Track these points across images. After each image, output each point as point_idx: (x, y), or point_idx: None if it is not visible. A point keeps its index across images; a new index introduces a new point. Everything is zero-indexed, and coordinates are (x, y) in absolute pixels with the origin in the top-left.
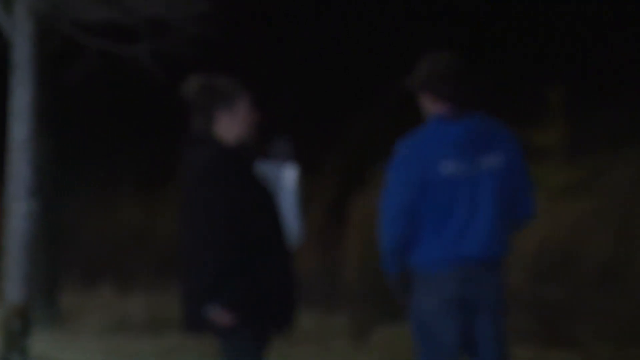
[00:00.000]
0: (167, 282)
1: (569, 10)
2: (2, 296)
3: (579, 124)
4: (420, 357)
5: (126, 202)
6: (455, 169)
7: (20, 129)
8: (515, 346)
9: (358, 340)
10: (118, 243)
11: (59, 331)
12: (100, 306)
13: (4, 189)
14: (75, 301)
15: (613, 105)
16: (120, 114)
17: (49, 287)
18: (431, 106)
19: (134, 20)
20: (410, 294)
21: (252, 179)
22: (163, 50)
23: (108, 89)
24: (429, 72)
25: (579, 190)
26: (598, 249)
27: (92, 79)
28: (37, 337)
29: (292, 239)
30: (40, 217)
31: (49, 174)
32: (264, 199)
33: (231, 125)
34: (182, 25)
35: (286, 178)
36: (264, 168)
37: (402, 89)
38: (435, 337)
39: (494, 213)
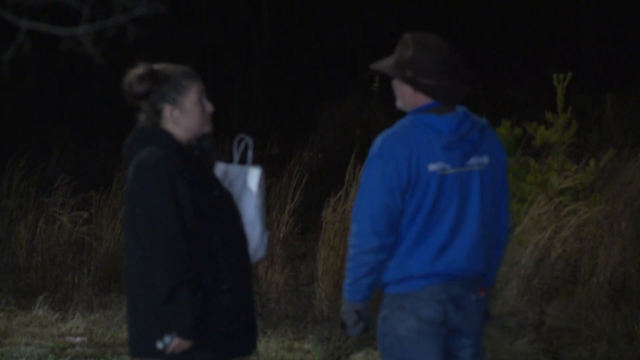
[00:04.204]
0: (111, 301)
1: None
2: None
3: (587, 120)
4: None
5: (63, 207)
6: (444, 172)
7: None
8: None
9: None
10: (55, 256)
11: None
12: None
13: None
14: (3, 323)
15: (623, 101)
16: (57, 107)
17: None
18: (411, 97)
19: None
20: (362, 330)
21: (207, 182)
22: (107, 32)
23: (43, 77)
24: (414, 61)
25: (586, 193)
26: (608, 261)
27: (25, 65)
28: None
29: (254, 251)
30: None
31: None
32: (222, 205)
33: (180, 119)
34: (128, 4)
35: (247, 181)
36: (224, 170)
37: (374, 74)
38: None
39: (479, 223)
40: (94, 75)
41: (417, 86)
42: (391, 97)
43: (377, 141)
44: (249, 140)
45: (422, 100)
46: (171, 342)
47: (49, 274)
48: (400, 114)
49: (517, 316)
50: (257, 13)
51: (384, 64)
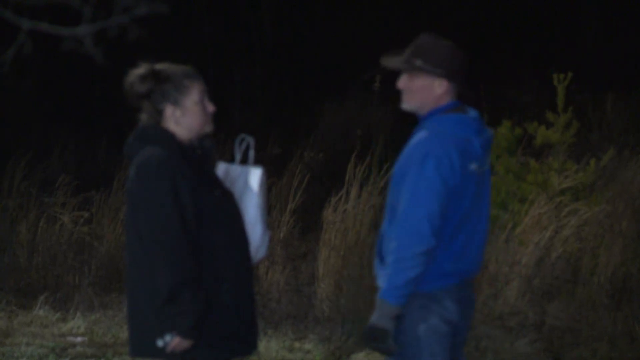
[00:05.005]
0: (112, 300)
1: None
2: None
3: (588, 119)
4: None
5: (64, 207)
6: (477, 170)
7: None
8: None
9: None
10: (55, 256)
11: None
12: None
13: None
14: (4, 323)
15: (623, 101)
16: (58, 107)
17: None
18: (437, 95)
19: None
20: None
21: (208, 181)
22: (108, 32)
23: (44, 77)
24: (445, 59)
25: (587, 192)
26: (608, 261)
27: (25, 65)
28: None
29: (255, 251)
30: None
31: None
32: (223, 205)
33: (181, 119)
34: (129, 5)
35: (249, 181)
36: (225, 170)
37: (374, 74)
38: None
39: (486, 221)
40: (95, 75)
41: (455, 82)
42: (392, 97)
43: (422, 143)
44: (250, 140)
45: (445, 99)
46: (171, 341)
47: (50, 274)
48: (401, 115)
49: (518, 316)
50: (257, 13)
51: (404, 62)
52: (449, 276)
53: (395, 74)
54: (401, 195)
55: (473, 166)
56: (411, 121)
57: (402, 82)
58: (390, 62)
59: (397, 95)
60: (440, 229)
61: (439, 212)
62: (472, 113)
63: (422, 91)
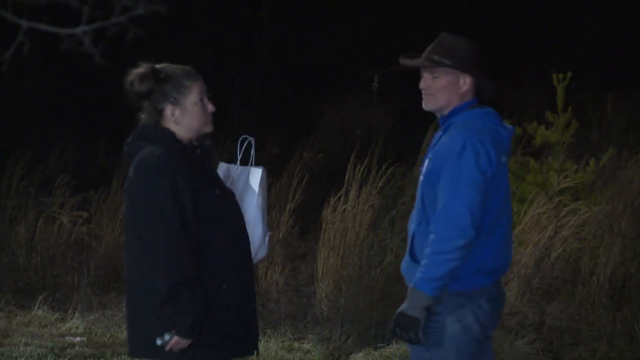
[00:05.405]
0: (110, 300)
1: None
2: None
3: (587, 119)
4: None
5: (62, 207)
6: (506, 165)
7: None
8: None
9: None
10: (54, 256)
11: None
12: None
13: None
14: (3, 323)
15: (623, 101)
16: (57, 107)
17: None
18: (463, 91)
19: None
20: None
21: (208, 181)
22: (108, 32)
23: (43, 77)
24: (475, 55)
25: (586, 192)
26: (608, 261)
27: (25, 65)
28: None
29: (256, 251)
30: None
31: None
32: (223, 204)
33: (181, 119)
34: (128, 4)
35: (250, 181)
36: (226, 170)
37: (373, 74)
38: None
39: (511, 214)
40: (94, 75)
41: (477, 78)
42: (391, 97)
43: (457, 137)
44: (251, 140)
45: (469, 96)
46: (170, 340)
47: (49, 274)
48: (400, 115)
49: (517, 316)
50: (257, 12)
51: (428, 60)
52: (489, 274)
53: (393, 75)
54: (438, 190)
55: (504, 158)
56: (410, 121)
57: (425, 82)
58: (411, 62)
59: (395, 95)
60: (480, 223)
61: (479, 204)
62: (490, 110)
63: (448, 89)
